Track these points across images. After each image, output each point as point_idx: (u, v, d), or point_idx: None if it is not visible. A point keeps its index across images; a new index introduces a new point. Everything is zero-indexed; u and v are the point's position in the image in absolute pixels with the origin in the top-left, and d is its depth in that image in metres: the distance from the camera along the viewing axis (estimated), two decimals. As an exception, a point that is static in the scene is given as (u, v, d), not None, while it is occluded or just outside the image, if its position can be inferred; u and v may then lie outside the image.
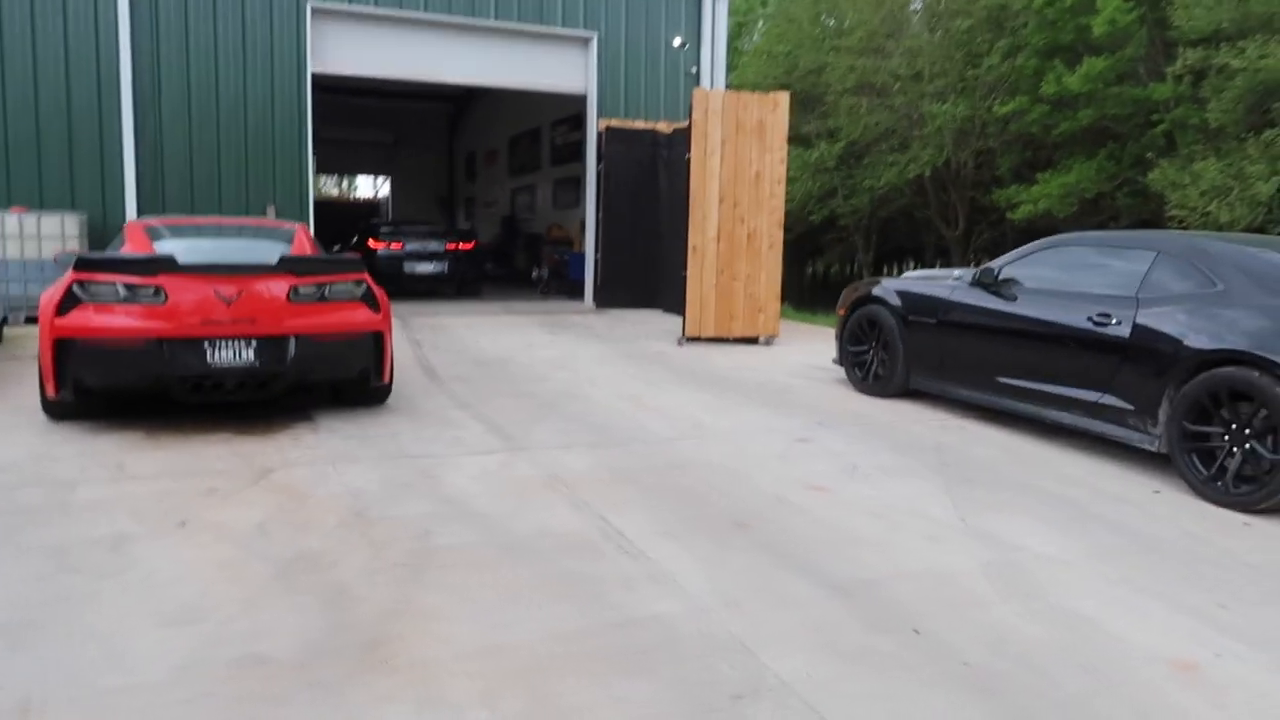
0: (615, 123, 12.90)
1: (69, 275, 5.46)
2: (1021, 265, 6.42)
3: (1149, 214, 17.72)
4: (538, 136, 19.73)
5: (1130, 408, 5.47)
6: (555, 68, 13.27)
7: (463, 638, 3.20)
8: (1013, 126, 19.39)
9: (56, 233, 10.02)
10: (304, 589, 3.55)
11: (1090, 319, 5.71)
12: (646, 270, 12.79)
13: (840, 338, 7.90)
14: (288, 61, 11.79)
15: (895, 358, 7.23)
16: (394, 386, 7.22)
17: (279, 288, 5.70)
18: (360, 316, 5.98)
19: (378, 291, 6.14)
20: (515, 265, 19.69)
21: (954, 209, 22.33)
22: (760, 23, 30.94)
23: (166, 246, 6.16)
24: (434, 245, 14.38)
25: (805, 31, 24.38)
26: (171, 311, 5.48)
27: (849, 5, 22.69)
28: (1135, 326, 5.46)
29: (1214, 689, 3.02)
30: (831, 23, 24.39)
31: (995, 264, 6.59)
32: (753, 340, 10.31)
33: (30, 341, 7.58)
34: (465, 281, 14.82)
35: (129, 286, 5.45)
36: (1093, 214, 19.00)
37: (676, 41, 13.42)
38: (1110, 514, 4.77)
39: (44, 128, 10.95)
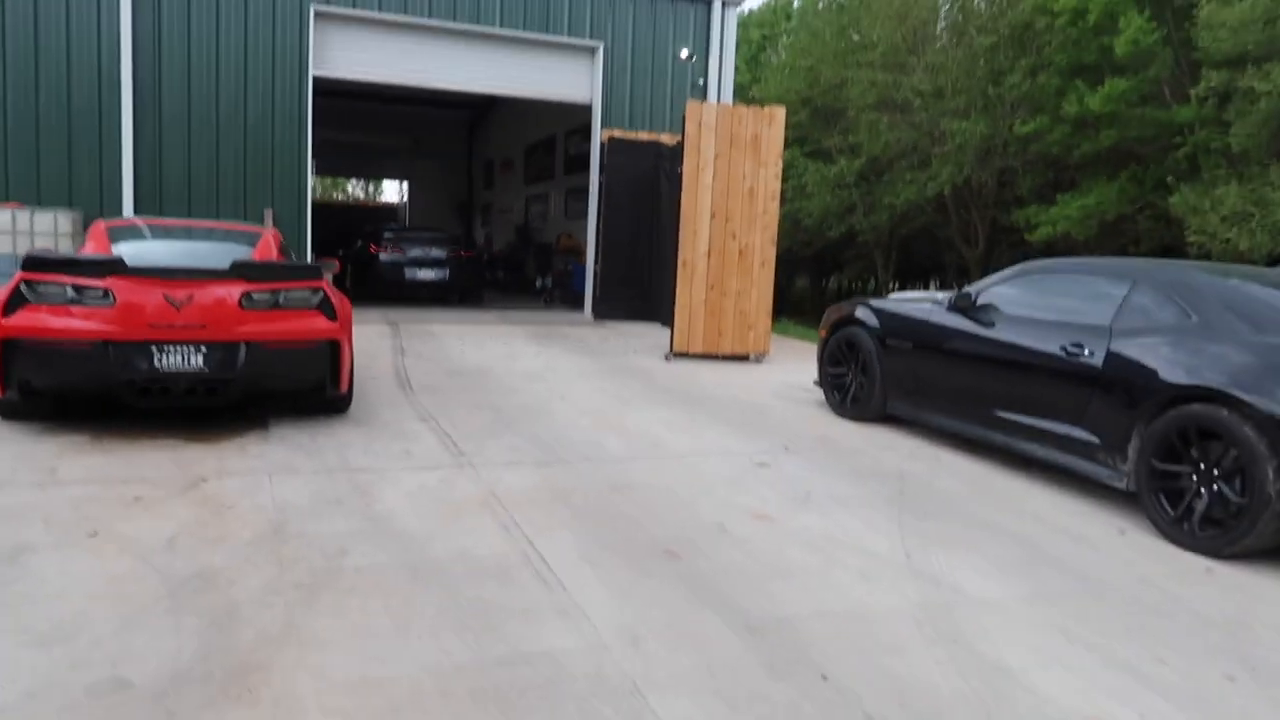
0: (618, 133, 12.78)
1: (17, 275, 5.41)
2: (1000, 290, 6.21)
3: (1170, 239, 17.33)
4: (552, 146, 19.68)
5: (1100, 443, 5.24)
6: (561, 77, 13.19)
7: (338, 669, 3.06)
8: (1033, 147, 19.06)
9: (49, 229, 10.06)
10: (192, 609, 3.43)
11: (1063, 348, 5.49)
12: (646, 283, 12.66)
13: (820, 359, 7.71)
14: (289, 64, 11.80)
15: (873, 381, 7.03)
16: (361, 395, 7.15)
17: (231, 293, 5.61)
18: (316, 324, 5.88)
19: (336, 299, 6.05)
20: (527, 274, 19.62)
21: (974, 228, 22.01)
22: (784, 37, 30.77)
23: (125, 248, 6.09)
24: (436, 252, 14.33)
25: (828, 45, 24.18)
26: (119, 314, 5.41)
27: (871, 20, 22.47)
28: (1107, 358, 5.24)
29: (1124, 756, 2.82)
30: (856, 37, 24.17)
31: (973, 287, 6.39)
32: (743, 358, 10.13)
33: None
34: (467, 289, 14.75)
35: (77, 288, 5.38)
36: (1113, 237, 18.63)
37: (683, 54, 13.30)
38: (1066, 555, 4.55)
39: (43, 126, 11.03)
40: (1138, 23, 15.45)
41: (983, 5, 20.47)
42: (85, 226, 10.77)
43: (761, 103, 20.85)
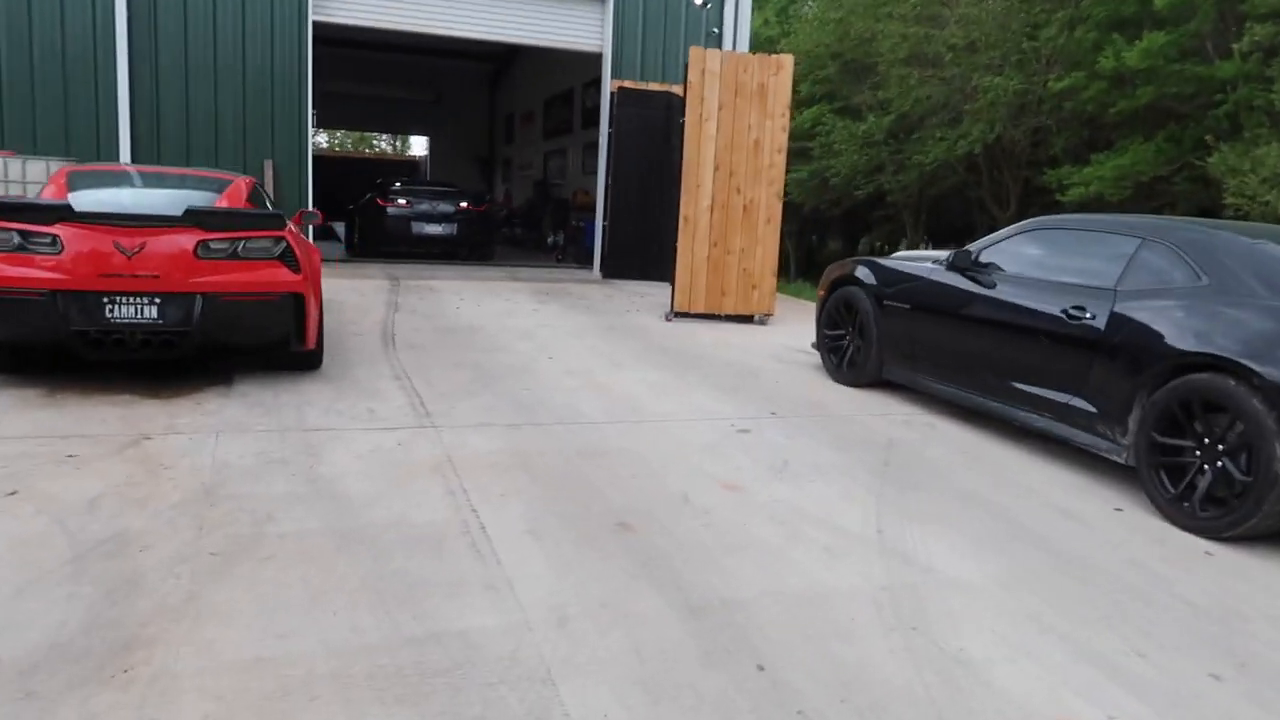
0: (628, 84, 12.35)
1: None
2: (1002, 249, 5.83)
3: (1208, 201, 16.60)
4: (570, 99, 19.20)
5: (1100, 413, 4.88)
6: (571, 25, 12.77)
7: (232, 647, 2.83)
8: (1068, 104, 18.32)
9: (42, 178, 9.85)
10: (92, 577, 3.21)
11: (1065, 311, 5.11)
12: (655, 240, 12.28)
13: (819, 321, 7.36)
14: (288, 9, 11.47)
15: (870, 344, 6.68)
16: (340, 351, 6.93)
17: (185, 242, 5.36)
18: (277, 276, 5.62)
19: (300, 250, 5.78)
20: (544, 231, 19.28)
21: (1007, 189, 21.32)
22: (816, -12, 29.83)
23: (83, 194, 5.86)
24: (444, 206, 14.02)
25: (860, -3, 23.38)
26: (68, 262, 5.18)
27: (904, -30, 21.65)
28: (1110, 321, 4.86)
29: (1081, 766, 2.52)
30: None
31: (974, 246, 6.00)
32: (747, 318, 9.78)
33: None
34: (476, 244, 14.45)
35: (23, 234, 5.16)
36: (1149, 199, 17.90)
37: (698, 0, 12.80)
38: (1053, 533, 4.23)
39: (38, 75, 10.82)
40: (1179, -28, 14.67)
41: (1019, -47, 19.61)
42: (80, 176, 10.61)
43: (785, 54, 20.22)
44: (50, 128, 10.92)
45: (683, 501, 4.33)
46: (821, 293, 7.33)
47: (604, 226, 12.77)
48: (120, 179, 6.66)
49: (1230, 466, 4.20)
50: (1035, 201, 21.88)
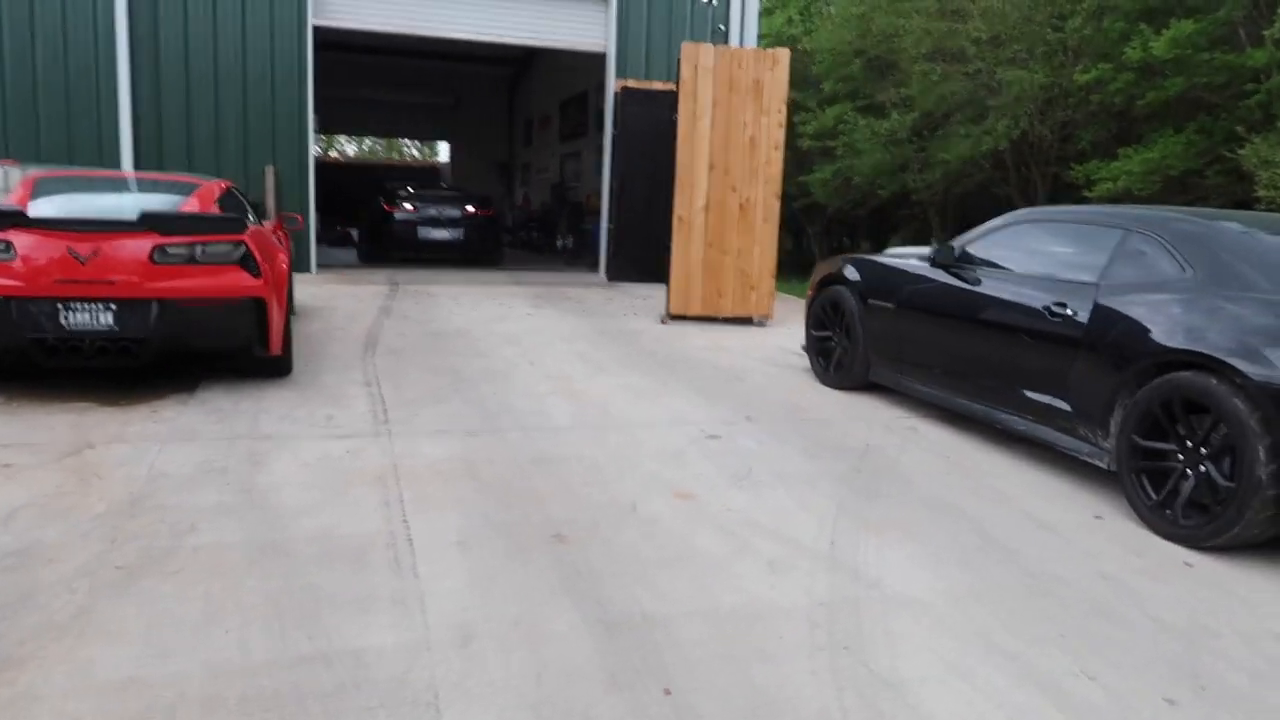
0: (632, 83, 12.18)
1: None
2: (985, 242, 5.58)
3: (1242, 195, 16.05)
4: (584, 101, 19.08)
5: (1080, 415, 4.61)
6: (573, 24, 12.63)
7: (108, 667, 2.69)
8: (1095, 97, 17.84)
9: (41, 188, 9.89)
10: (-15, 592, 3.09)
11: (1046, 308, 4.85)
12: (660, 242, 12.06)
13: (807, 322, 7.13)
14: (288, 15, 11.44)
15: (856, 345, 6.44)
16: (318, 356, 6.85)
17: (140, 246, 5.27)
18: (236, 281, 5.51)
19: (260, 254, 5.66)
20: (558, 234, 19.17)
21: (1034, 185, 20.84)
22: (839, -13, 29.47)
23: (44, 200, 5.80)
24: (450, 211, 13.93)
25: (880, -10, 23.02)
26: (20, 268, 5.11)
27: (924, -36, 21.26)
28: (1091, 318, 4.60)
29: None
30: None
31: (958, 241, 5.75)
32: (746, 320, 9.56)
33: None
34: (484, 249, 14.35)
35: (-24, 241, 5.10)
36: (1179, 193, 17.36)
37: (703, -2, 12.61)
38: (1023, 544, 3.97)
39: (41, 85, 10.89)
40: (1206, -42, 14.20)
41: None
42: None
43: (812, 55, 20.02)
44: (54, 137, 10.98)
45: (629, 511, 4.13)
46: (810, 292, 7.10)
47: (609, 228, 12.60)
48: (87, 184, 6.60)
49: (1213, 471, 3.93)
50: (1064, 198, 21.33)
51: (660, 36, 12.77)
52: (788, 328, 9.56)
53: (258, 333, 5.65)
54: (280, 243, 7.38)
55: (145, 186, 6.86)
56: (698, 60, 8.97)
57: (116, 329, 5.27)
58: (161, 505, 3.92)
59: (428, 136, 31.65)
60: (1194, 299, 4.21)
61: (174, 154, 11.32)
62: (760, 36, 18.75)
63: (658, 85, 12.26)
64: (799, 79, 21.67)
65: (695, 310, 9.38)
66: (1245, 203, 15.38)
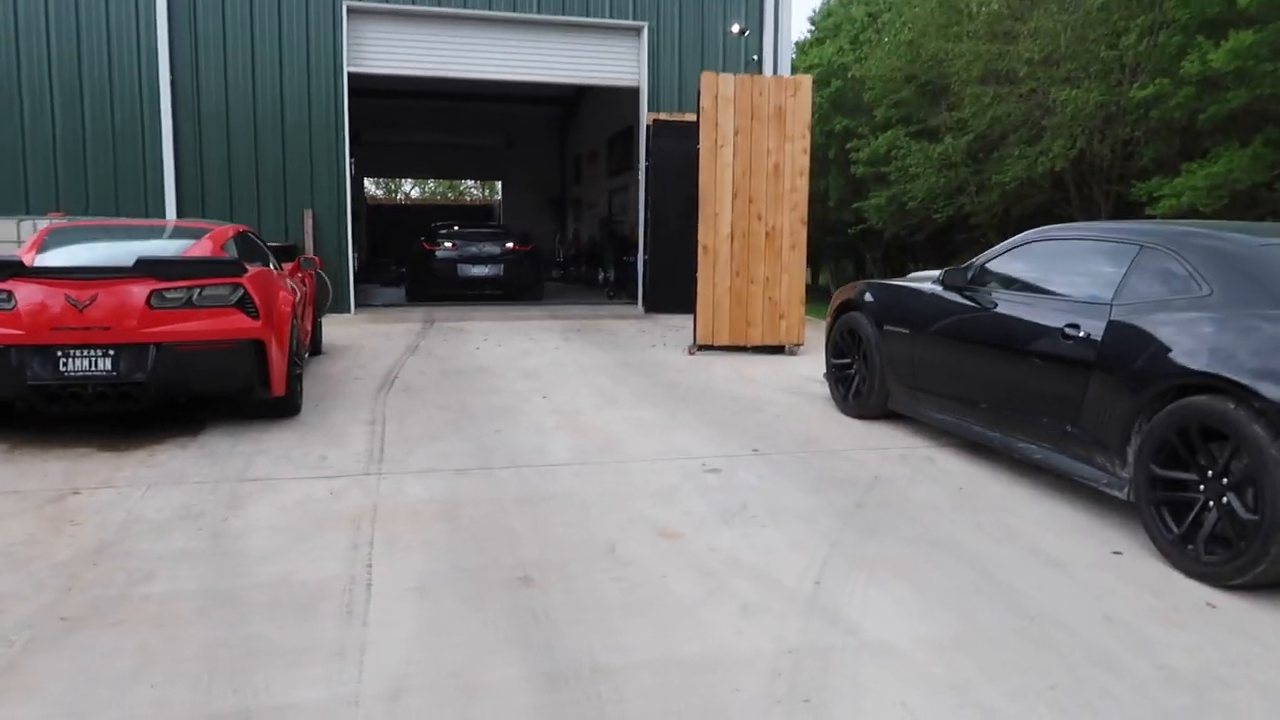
0: (664, 116, 12.12)
1: None
2: (998, 263, 5.29)
3: (1314, 209, 15.30)
4: (630, 136, 19.12)
5: (1097, 442, 4.30)
6: (605, 60, 12.64)
7: (16, 725, 2.59)
8: (1154, 113, 17.24)
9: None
10: (-79, 645, 3.03)
11: (1058, 329, 4.55)
12: (693, 273, 11.91)
13: (826, 349, 6.88)
14: (324, 63, 11.67)
15: (874, 373, 6.17)
16: (333, 395, 6.86)
17: (137, 292, 5.30)
18: (234, 323, 5.51)
19: (259, 297, 5.65)
20: (601, 267, 19.17)
21: (1097, 205, 20.18)
22: (887, 13, 29.19)
23: (51, 251, 5.89)
24: (490, 248, 14.00)
25: (931, 18, 22.71)
26: (21, 317, 5.17)
27: (972, -12, 20.89)
28: (1104, 340, 4.29)
29: None
30: (963, 4, 22.60)
31: (971, 262, 5.47)
32: (778, 349, 9.31)
33: None
34: (524, 284, 14.37)
35: (-22, 292, 5.17)
36: (1248, 209, 16.62)
37: (735, 28, 12.52)
38: (1026, 584, 3.67)
39: (89, 137, 11.25)
40: (1263, -35, 13.63)
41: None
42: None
43: (863, 82, 19.85)
44: (101, 188, 11.32)
45: (606, 552, 3.94)
46: (829, 318, 6.86)
47: (644, 260, 12.50)
48: (99, 234, 6.71)
49: (1235, 503, 3.59)
50: (1128, 216, 20.57)
51: (692, 69, 12.69)
52: (817, 355, 9.29)
53: (258, 374, 5.64)
54: (298, 285, 7.41)
55: (156, 234, 6.96)
56: (717, 89, 8.84)
57: (115, 374, 5.29)
58: (126, 552, 3.86)
59: (483, 176, 32.14)
60: (1211, 318, 3.88)
61: (216, 202, 11.56)
62: (811, 66, 18.61)
63: (689, 117, 12.12)
64: (851, 106, 21.43)
65: (723, 340, 9.18)
66: (1318, 217, 14.63)
